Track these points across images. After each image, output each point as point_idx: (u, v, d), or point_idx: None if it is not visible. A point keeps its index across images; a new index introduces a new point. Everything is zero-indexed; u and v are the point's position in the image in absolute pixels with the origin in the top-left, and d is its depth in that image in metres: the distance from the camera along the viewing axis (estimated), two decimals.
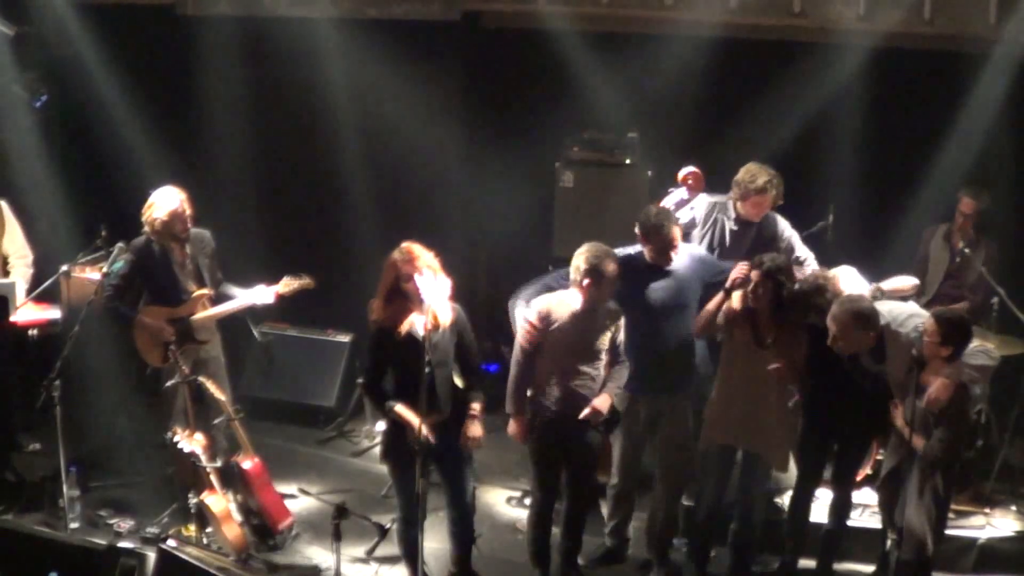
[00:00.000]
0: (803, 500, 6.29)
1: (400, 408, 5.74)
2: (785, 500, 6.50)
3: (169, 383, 6.62)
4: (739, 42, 7.99)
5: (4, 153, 8.18)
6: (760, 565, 6.40)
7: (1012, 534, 6.58)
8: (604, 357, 6.04)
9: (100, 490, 7.09)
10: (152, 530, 6.61)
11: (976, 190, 7.30)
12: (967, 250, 7.16)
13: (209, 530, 6.51)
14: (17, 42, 8.30)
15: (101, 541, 6.28)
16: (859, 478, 6.85)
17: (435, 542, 6.35)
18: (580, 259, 5.89)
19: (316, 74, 8.64)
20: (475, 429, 5.87)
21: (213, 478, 6.48)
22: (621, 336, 6.07)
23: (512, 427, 6.14)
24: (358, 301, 6.93)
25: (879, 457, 6.48)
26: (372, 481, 7.42)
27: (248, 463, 6.64)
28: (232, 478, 6.66)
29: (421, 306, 5.64)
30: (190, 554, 5.71)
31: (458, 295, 5.91)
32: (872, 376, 5.92)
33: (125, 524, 6.69)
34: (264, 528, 6.64)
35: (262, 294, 6.90)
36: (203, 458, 6.45)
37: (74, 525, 6.59)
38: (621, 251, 6.11)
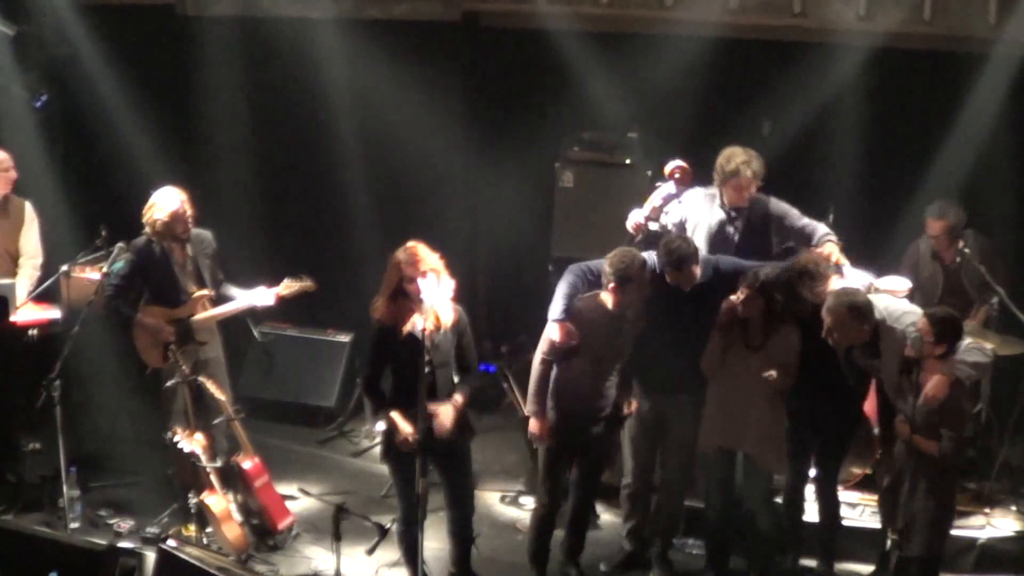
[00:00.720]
0: (794, 498, 6.30)
1: (395, 415, 5.75)
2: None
3: (169, 383, 6.62)
4: (739, 42, 7.99)
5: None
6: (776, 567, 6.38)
7: (1012, 534, 6.58)
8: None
9: (100, 490, 7.09)
10: (152, 530, 6.61)
11: (939, 209, 7.10)
12: (959, 258, 7.10)
13: (209, 530, 6.51)
14: (17, 42, 8.30)
15: (101, 541, 6.28)
16: (857, 479, 6.88)
17: (435, 542, 6.35)
18: (609, 263, 5.92)
19: (316, 74, 8.64)
20: (446, 415, 5.72)
21: (213, 478, 6.48)
22: None
23: (533, 426, 6.15)
24: (358, 301, 6.91)
25: (877, 458, 6.49)
26: (372, 481, 7.42)
27: (248, 463, 6.64)
28: (232, 478, 6.66)
29: (423, 307, 5.64)
30: (190, 554, 5.70)
31: (458, 295, 5.91)
32: (860, 371, 5.93)
33: (125, 524, 6.70)
34: (264, 528, 6.64)
35: (262, 296, 6.90)
36: (203, 458, 6.45)
37: (74, 525, 6.60)
38: (647, 254, 6.12)
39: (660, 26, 8.09)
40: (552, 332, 6.02)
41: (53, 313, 7.43)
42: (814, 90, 7.89)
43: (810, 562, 6.39)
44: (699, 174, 6.81)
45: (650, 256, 6.14)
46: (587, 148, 8.21)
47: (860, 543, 6.50)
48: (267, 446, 7.31)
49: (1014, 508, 6.79)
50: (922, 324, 5.60)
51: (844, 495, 6.78)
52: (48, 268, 7.39)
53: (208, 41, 8.70)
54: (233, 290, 6.97)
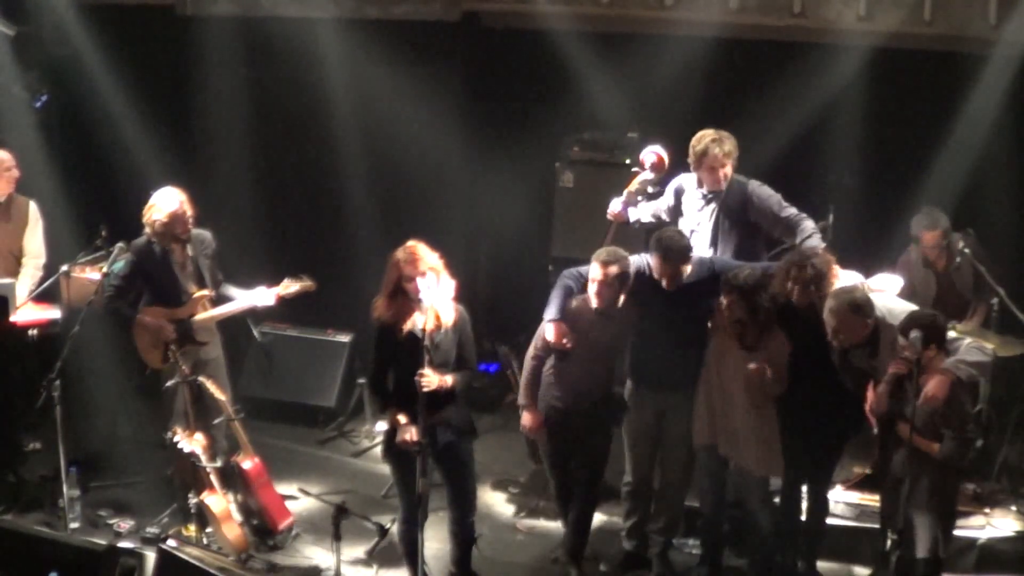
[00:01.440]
0: (790, 500, 6.29)
1: (399, 416, 5.76)
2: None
3: (169, 383, 6.62)
4: (739, 42, 7.99)
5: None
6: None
7: (1012, 534, 6.57)
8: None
9: (100, 490, 7.09)
10: (152, 530, 6.60)
11: (931, 219, 7.09)
12: (959, 259, 7.09)
13: (209, 530, 6.51)
14: (17, 42, 8.31)
15: (101, 541, 6.29)
16: (857, 479, 6.88)
17: (435, 542, 6.35)
18: (592, 263, 6.00)
19: (316, 74, 8.64)
20: (430, 379, 5.61)
21: (213, 478, 6.48)
22: None
23: (525, 418, 6.25)
24: (358, 301, 6.92)
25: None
26: (372, 481, 7.43)
27: (248, 463, 6.64)
28: (232, 478, 6.66)
29: (422, 306, 5.65)
30: (190, 554, 5.71)
31: (458, 295, 5.92)
32: (859, 374, 5.92)
33: (125, 524, 6.69)
34: (264, 528, 6.64)
35: (262, 296, 6.90)
36: (203, 458, 6.45)
37: (74, 525, 6.59)
38: (636, 258, 6.17)
39: (660, 26, 8.08)
40: (547, 332, 6.10)
41: (53, 313, 7.44)
42: (814, 90, 7.88)
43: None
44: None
45: (640, 257, 6.18)
46: (587, 148, 8.22)
47: (860, 543, 6.49)
48: (267, 446, 7.31)
49: (1014, 508, 6.78)
50: (901, 340, 5.58)
51: (844, 495, 6.80)
52: (48, 268, 7.40)
53: (208, 41, 8.69)
54: (233, 290, 6.97)
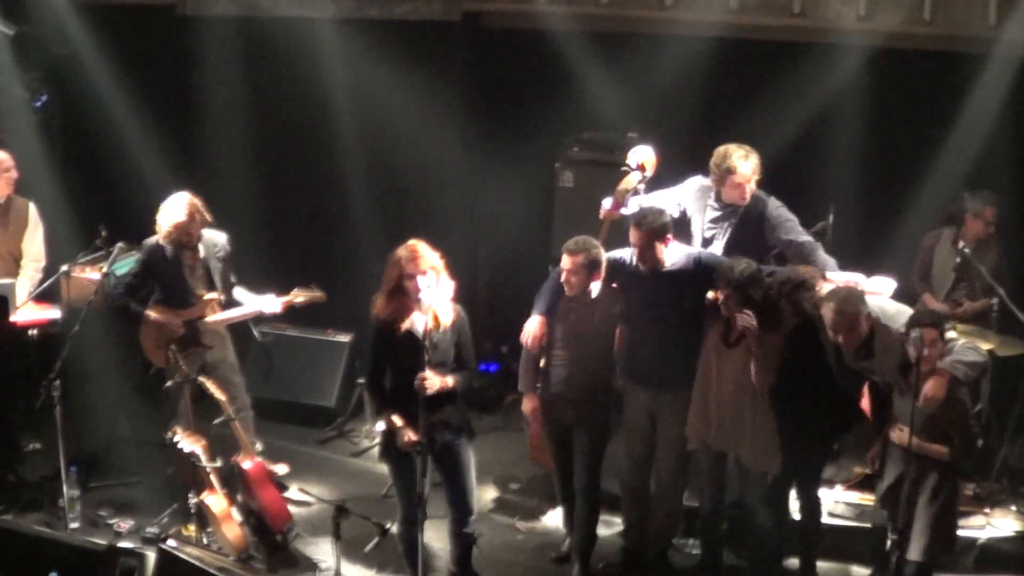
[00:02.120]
0: (781, 498, 6.28)
1: (395, 419, 5.77)
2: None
3: (169, 383, 6.62)
4: (739, 42, 7.98)
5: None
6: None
7: (1012, 534, 6.58)
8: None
9: (100, 490, 7.09)
10: (152, 530, 6.61)
11: (987, 197, 7.25)
12: (967, 249, 7.12)
13: (209, 530, 6.51)
14: (17, 42, 8.30)
15: (101, 541, 6.29)
16: (858, 479, 6.88)
17: (435, 542, 6.35)
18: (562, 254, 6.16)
19: (316, 74, 8.64)
20: (432, 380, 5.63)
21: (213, 478, 6.48)
22: None
23: (525, 404, 6.39)
24: (358, 301, 6.91)
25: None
26: (372, 481, 7.42)
27: (248, 463, 6.64)
28: (232, 478, 6.66)
29: (422, 304, 5.65)
30: (190, 554, 5.71)
31: (458, 295, 5.92)
32: (854, 375, 5.92)
33: (125, 524, 6.70)
34: (264, 528, 6.64)
35: (269, 303, 6.93)
36: (203, 458, 6.45)
37: (74, 525, 6.60)
38: (620, 251, 6.24)
39: (660, 26, 8.08)
40: (530, 323, 6.25)
41: (53, 313, 7.45)
42: (814, 90, 7.88)
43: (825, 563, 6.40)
44: (700, 173, 6.82)
45: (627, 250, 6.24)
46: (587, 148, 8.21)
47: (860, 543, 6.48)
48: (267, 446, 7.31)
49: (1014, 508, 6.79)
50: (924, 334, 5.58)
51: (844, 495, 6.80)
52: (48, 268, 7.40)
53: (208, 41, 8.70)
54: (244, 294, 6.98)
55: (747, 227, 6.58)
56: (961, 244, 7.13)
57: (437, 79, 8.54)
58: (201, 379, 6.61)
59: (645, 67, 8.11)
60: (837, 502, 6.75)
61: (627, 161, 6.92)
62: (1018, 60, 7.50)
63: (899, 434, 5.66)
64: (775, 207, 6.57)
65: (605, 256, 6.17)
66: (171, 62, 8.81)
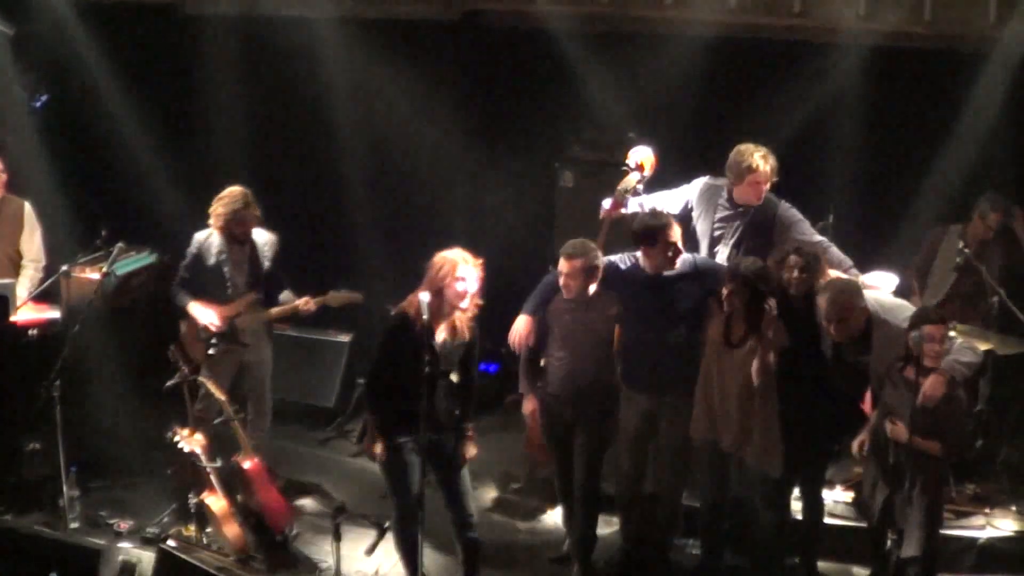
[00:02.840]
0: (780, 498, 6.28)
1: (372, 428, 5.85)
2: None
3: (169, 383, 6.62)
4: (739, 42, 7.99)
5: (4, 153, 8.18)
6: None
7: (1012, 534, 6.57)
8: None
9: (100, 490, 7.09)
10: (152, 530, 6.60)
11: (1005, 204, 7.19)
12: (967, 249, 7.10)
13: (209, 530, 6.51)
14: (17, 42, 8.30)
15: (101, 541, 6.29)
16: (858, 479, 6.87)
17: (435, 542, 6.35)
18: (560, 257, 6.19)
19: (316, 74, 8.64)
20: (471, 449, 5.98)
21: (213, 478, 6.48)
22: None
23: (525, 406, 6.47)
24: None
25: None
26: (372, 481, 7.39)
27: (248, 463, 6.64)
28: (232, 478, 6.66)
29: (454, 312, 5.73)
30: (190, 554, 5.72)
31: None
32: (852, 371, 5.92)
33: (125, 524, 6.68)
34: (264, 528, 6.64)
35: (303, 304, 6.93)
36: (203, 458, 6.45)
37: (74, 525, 6.59)
38: (621, 255, 6.26)
39: (660, 26, 8.09)
40: (517, 323, 6.32)
41: (53, 313, 7.44)
42: (814, 90, 7.89)
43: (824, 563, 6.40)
44: (701, 173, 6.82)
45: (626, 254, 6.27)
46: (587, 148, 8.21)
47: (860, 543, 6.48)
48: (267, 446, 7.31)
49: (1014, 508, 6.78)
50: (931, 330, 5.59)
51: (843, 495, 6.80)
52: (48, 268, 7.39)
53: (208, 40, 8.70)
54: (286, 295, 6.98)
55: (757, 227, 6.60)
56: (961, 244, 7.10)
57: (437, 79, 8.54)
58: (200, 379, 6.60)
59: (645, 67, 8.12)
60: (837, 502, 6.75)
61: (627, 161, 6.92)
62: (1018, 60, 7.51)
63: (893, 428, 5.67)
64: (785, 208, 6.62)
65: (602, 260, 6.16)
66: (171, 61, 8.81)
